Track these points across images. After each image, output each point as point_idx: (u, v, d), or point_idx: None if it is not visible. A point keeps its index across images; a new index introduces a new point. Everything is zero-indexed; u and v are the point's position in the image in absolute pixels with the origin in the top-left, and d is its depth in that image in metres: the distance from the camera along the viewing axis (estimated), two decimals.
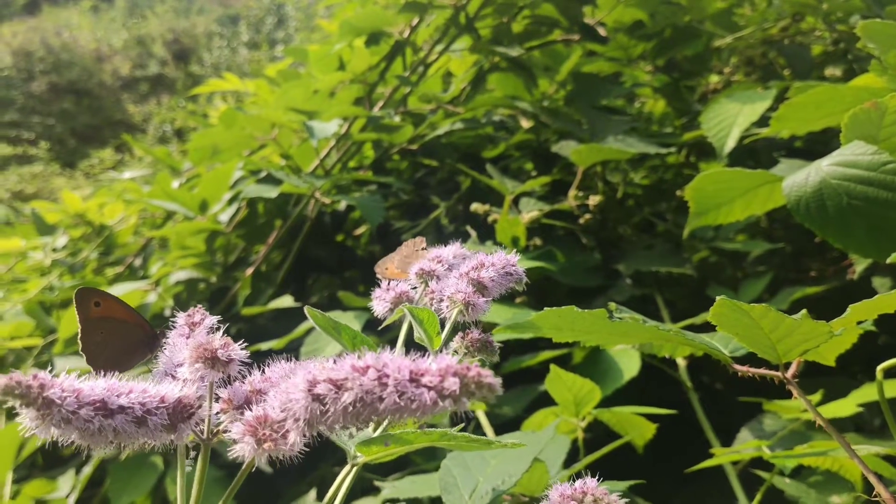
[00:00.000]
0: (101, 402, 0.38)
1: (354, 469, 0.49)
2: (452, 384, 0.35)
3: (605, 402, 1.09)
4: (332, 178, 1.61)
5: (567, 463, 0.90)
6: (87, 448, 0.39)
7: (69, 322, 1.59)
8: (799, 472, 1.08)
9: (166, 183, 2.20)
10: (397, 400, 0.36)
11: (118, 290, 1.50)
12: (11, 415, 2.01)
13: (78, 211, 2.49)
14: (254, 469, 0.44)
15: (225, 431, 0.43)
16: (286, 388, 0.39)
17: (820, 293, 1.38)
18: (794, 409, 1.16)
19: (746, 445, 0.98)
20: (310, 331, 1.36)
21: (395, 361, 0.37)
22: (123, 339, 0.54)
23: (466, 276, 0.57)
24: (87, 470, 1.58)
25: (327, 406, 0.37)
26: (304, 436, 0.39)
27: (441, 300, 0.60)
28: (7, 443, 1.49)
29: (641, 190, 1.93)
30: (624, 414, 1.00)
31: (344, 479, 0.50)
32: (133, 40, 18.80)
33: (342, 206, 1.75)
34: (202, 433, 0.43)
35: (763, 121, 1.46)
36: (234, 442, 0.40)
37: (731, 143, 1.42)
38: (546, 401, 1.18)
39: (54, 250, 2.34)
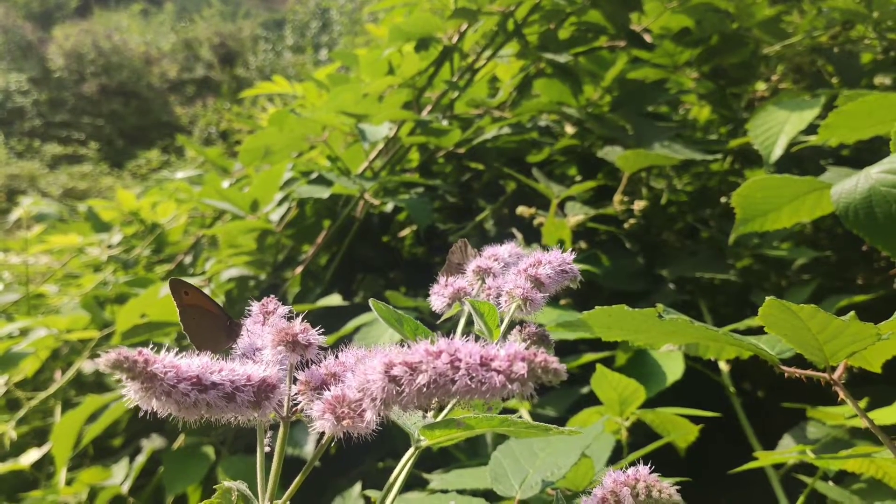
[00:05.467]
0: (197, 378, 0.41)
1: (417, 452, 0.52)
2: (521, 368, 0.38)
3: (648, 405, 1.11)
4: (381, 181, 1.65)
5: (610, 462, 0.93)
6: (180, 420, 0.43)
7: (126, 316, 1.65)
8: (842, 479, 1.08)
9: (217, 183, 2.27)
10: (468, 382, 0.39)
11: None
12: (68, 405, 2.08)
13: (132, 209, 2.57)
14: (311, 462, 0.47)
15: (302, 410, 0.47)
16: (364, 370, 0.42)
17: (866, 302, 1.38)
18: (838, 416, 1.16)
19: (791, 451, 0.99)
20: (359, 328, 1.40)
21: (467, 347, 0.40)
22: (208, 325, 0.57)
23: (525, 272, 0.60)
24: (141, 459, 1.64)
25: (403, 387, 0.40)
26: (379, 415, 0.42)
27: (499, 295, 0.62)
28: (66, 433, 1.55)
29: (686, 196, 1.94)
30: (667, 415, 1.02)
31: (407, 461, 0.53)
32: (181, 43, 19.18)
33: (389, 207, 1.79)
34: (282, 412, 0.47)
35: (811, 129, 1.46)
36: (314, 419, 0.43)
37: (778, 152, 1.43)
38: (587, 402, 1.20)
39: (109, 247, 2.42)
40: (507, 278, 0.61)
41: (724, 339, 0.67)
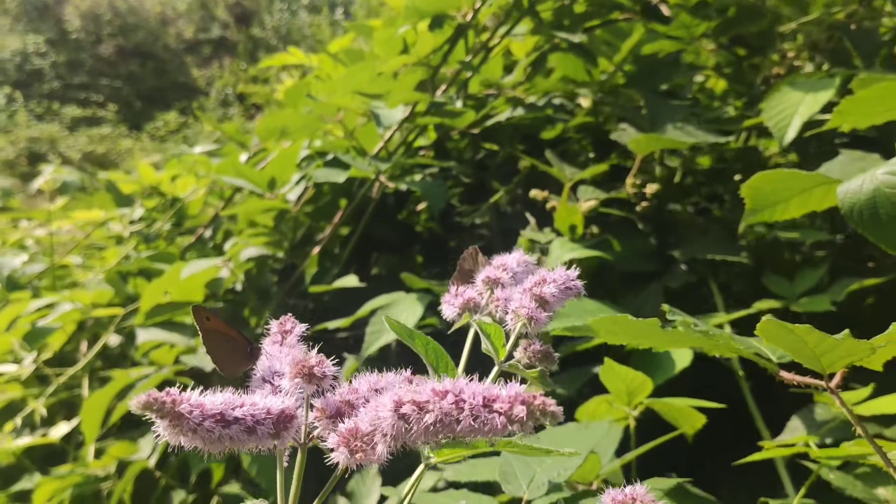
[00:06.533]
0: (220, 415, 0.45)
1: (426, 468, 0.56)
2: (521, 411, 0.41)
3: (657, 389, 1.14)
4: (396, 162, 1.67)
5: (618, 452, 0.96)
6: (206, 452, 0.46)
7: (151, 294, 1.70)
8: (846, 464, 1.11)
9: (235, 159, 2.29)
10: (472, 423, 0.42)
11: (195, 267, 1.59)
12: (94, 377, 2.15)
13: (152, 183, 2.60)
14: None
15: (319, 437, 0.50)
16: (375, 406, 0.45)
17: (879, 285, 1.39)
18: (846, 402, 1.18)
19: (795, 439, 1.01)
20: (374, 312, 1.43)
21: (471, 387, 0.43)
22: (229, 349, 0.61)
23: (529, 291, 0.62)
24: None
25: (411, 424, 0.43)
26: (389, 448, 0.45)
27: (507, 306, 0.65)
28: (94, 410, 1.61)
29: (701, 170, 1.94)
30: (675, 404, 1.05)
31: (418, 477, 0.56)
32: (196, 3, 19.06)
33: (405, 186, 1.81)
34: (300, 438, 0.50)
35: (828, 107, 1.46)
36: (330, 450, 0.47)
37: (791, 134, 1.43)
38: (599, 383, 1.23)
39: (131, 222, 2.46)
40: (513, 296, 0.64)
41: (724, 347, 0.70)
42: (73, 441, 1.98)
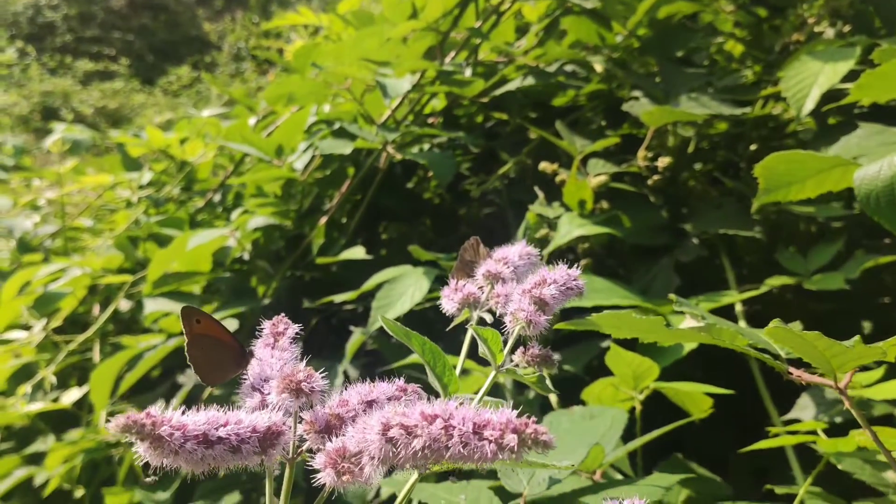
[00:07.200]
0: (203, 436, 0.43)
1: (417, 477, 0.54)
2: (511, 440, 0.40)
3: (665, 370, 1.12)
4: (404, 131, 1.64)
5: (624, 438, 0.95)
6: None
7: (158, 264, 1.69)
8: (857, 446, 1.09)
9: (243, 123, 2.27)
10: (461, 450, 0.40)
11: (202, 238, 1.59)
12: (105, 341, 2.16)
13: (160, 146, 2.59)
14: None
15: (307, 451, 0.49)
16: (363, 428, 0.44)
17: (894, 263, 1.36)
18: (855, 385, 1.17)
19: (804, 426, 1.00)
20: (380, 285, 1.42)
21: (460, 412, 0.41)
22: (218, 354, 0.59)
23: (529, 293, 0.60)
24: (175, 402, 1.71)
25: (399, 449, 0.42)
26: (377, 471, 0.44)
27: (506, 308, 0.63)
28: (104, 379, 1.62)
29: (716, 132, 1.89)
30: (681, 388, 1.03)
31: (410, 487, 0.55)
32: None
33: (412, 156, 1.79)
34: (287, 453, 0.49)
35: (848, 76, 1.41)
36: (317, 469, 0.45)
37: (810, 105, 1.38)
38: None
39: (140, 187, 2.46)
40: (513, 295, 0.62)
41: (728, 343, 0.68)
42: (85, 406, 1.99)
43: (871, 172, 0.87)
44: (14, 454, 1.99)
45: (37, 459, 1.97)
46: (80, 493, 1.84)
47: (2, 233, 3.00)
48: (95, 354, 2.07)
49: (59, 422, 2.06)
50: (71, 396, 1.88)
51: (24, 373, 2.11)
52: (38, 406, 1.87)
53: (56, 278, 2.13)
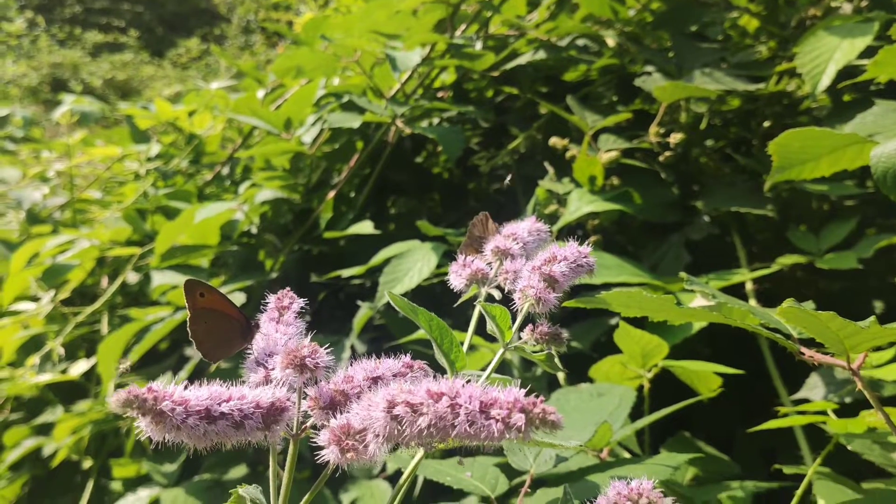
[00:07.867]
0: (206, 411, 0.43)
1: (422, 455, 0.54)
2: (519, 420, 0.39)
3: (672, 347, 1.11)
4: (413, 105, 1.62)
5: (632, 416, 0.94)
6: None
7: (165, 237, 1.69)
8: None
9: (252, 96, 2.25)
10: (468, 428, 0.40)
11: (209, 211, 1.58)
12: (114, 313, 2.17)
13: (169, 118, 2.57)
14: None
15: (312, 427, 0.48)
16: (368, 405, 0.43)
17: None
18: (866, 365, 1.15)
19: (813, 406, 0.99)
20: (388, 260, 1.41)
21: (467, 390, 0.41)
22: (223, 329, 0.58)
23: (539, 270, 0.59)
24: (183, 375, 1.71)
25: (404, 427, 0.41)
26: (382, 448, 0.43)
27: (515, 279, 0.62)
28: (111, 351, 1.62)
29: (729, 108, 1.87)
30: (690, 367, 1.03)
31: (416, 463, 0.54)
32: None
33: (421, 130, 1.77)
34: (291, 429, 0.48)
35: (865, 52, 1.39)
36: (322, 447, 0.45)
37: (826, 81, 1.36)
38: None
39: (149, 160, 2.45)
40: (522, 272, 0.61)
41: (739, 322, 0.67)
42: (93, 378, 2.00)
43: (889, 150, 0.85)
44: (23, 424, 2.01)
45: (45, 430, 1.98)
46: (88, 463, 1.85)
47: (11, 204, 3.00)
48: (103, 326, 2.07)
49: (67, 393, 2.07)
50: (79, 368, 1.89)
51: (32, 344, 2.11)
52: (46, 377, 1.88)
53: (64, 250, 2.14)
